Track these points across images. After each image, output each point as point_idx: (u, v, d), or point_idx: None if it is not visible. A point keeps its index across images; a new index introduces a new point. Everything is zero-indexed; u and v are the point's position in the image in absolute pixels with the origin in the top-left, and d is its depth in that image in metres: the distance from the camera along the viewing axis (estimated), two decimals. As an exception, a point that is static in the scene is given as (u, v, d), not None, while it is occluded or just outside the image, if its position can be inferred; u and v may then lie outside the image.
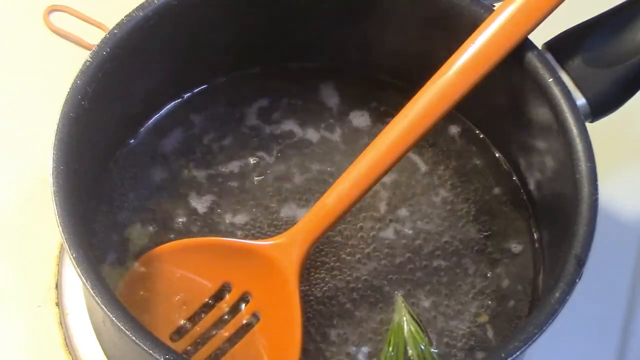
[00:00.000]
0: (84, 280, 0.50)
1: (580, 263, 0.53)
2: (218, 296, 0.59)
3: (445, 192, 0.65)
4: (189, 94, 0.66)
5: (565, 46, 0.58)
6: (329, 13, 0.63)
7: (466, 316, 0.61)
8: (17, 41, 0.77)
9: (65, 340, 0.65)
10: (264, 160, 0.65)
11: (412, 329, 0.58)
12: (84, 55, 0.56)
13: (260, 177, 0.64)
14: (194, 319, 0.58)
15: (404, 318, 0.59)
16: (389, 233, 0.63)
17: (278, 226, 0.62)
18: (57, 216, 0.52)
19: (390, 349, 0.58)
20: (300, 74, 0.68)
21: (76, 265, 0.51)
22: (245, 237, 0.62)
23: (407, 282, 0.61)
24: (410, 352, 0.58)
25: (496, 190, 0.65)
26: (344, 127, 0.67)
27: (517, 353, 0.51)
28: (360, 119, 0.67)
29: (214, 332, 0.58)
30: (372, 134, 0.66)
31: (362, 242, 0.63)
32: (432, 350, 0.59)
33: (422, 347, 0.58)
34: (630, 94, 0.58)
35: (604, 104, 0.58)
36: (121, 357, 0.60)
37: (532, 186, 0.63)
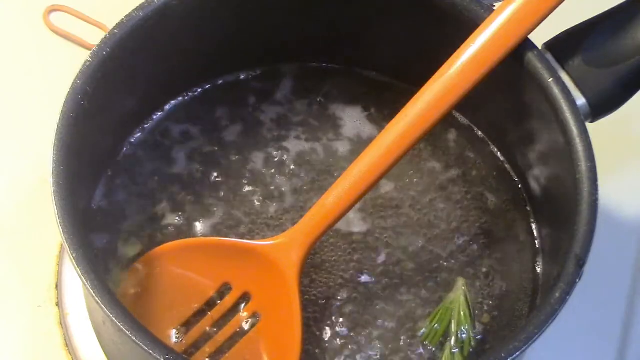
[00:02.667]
0: (84, 280, 0.50)
1: (580, 263, 0.53)
2: (218, 296, 0.59)
3: (445, 192, 0.65)
4: (189, 94, 0.66)
5: (565, 46, 0.58)
6: (329, 14, 0.63)
7: (466, 316, 0.61)
8: (17, 41, 0.77)
9: (65, 340, 0.65)
10: (265, 161, 0.65)
11: (462, 311, 0.59)
12: (84, 55, 0.56)
13: (262, 178, 0.64)
14: (194, 319, 0.58)
15: (460, 299, 0.59)
16: (387, 233, 0.63)
17: (277, 229, 0.63)
18: (57, 216, 0.52)
19: (435, 323, 0.59)
20: (301, 74, 0.68)
21: (76, 265, 0.51)
22: (246, 237, 0.62)
23: (405, 282, 0.61)
24: (453, 330, 0.59)
25: (496, 190, 0.65)
26: (344, 127, 0.67)
27: (517, 353, 0.51)
28: (360, 119, 0.67)
29: (214, 332, 0.58)
30: (372, 134, 0.66)
31: (360, 243, 0.63)
32: (473, 333, 0.59)
33: (465, 330, 0.58)
34: (630, 94, 0.58)
35: (604, 104, 0.58)
36: (121, 357, 0.60)
37: (532, 186, 0.63)
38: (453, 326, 0.59)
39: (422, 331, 0.60)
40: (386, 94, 0.67)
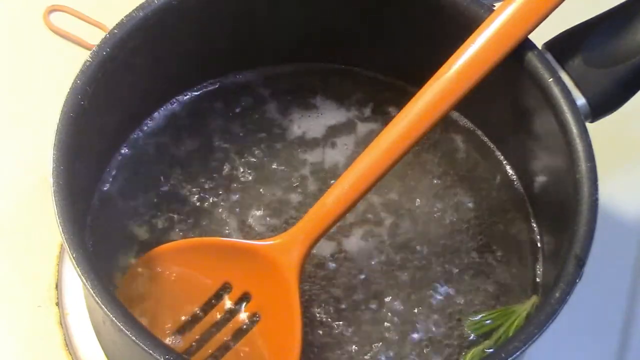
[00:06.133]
0: (84, 280, 0.50)
1: (580, 263, 0.53)
2: (218, 296, 0.59)
3: (445, 193, 0.65)
4: (188, 94, 0.66)
5: (565, 46, 0.58)
6: (329, 14, 0.64)
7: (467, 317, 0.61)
8: (17, 41, 0.77)
9: (65, 340, 0.65)
10: (265, 161, 0.65)
11: (517, 323, 0.59)
12: (84, 55, 0.56)
13: (262, 178, 0.64)
14: (194, 319, 0.58)
15: (523, 313, 0.59)
16: (387, 233, 0.63)
17: (276, 228, 0.63)
18: (57, 216, 0.52)
19: (488, 319, 0.60)
20: (301, 74, 0.68)
21: (76, 265, 0.51)
22: (246, 237, 0.62)
23: (405, 282, 0.61)
24: (499, 332, 0.59)
25: (496, 191, 0.65)
26: (344, 127, 0.67)
27: (517, 353, 0.51)
28: (359, 119, 0.67)
29: (214, 332, 0.58)
30: (372, 134, 0.66)
31: (360, 244, 0.63)
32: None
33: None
34: (631, 94, 0.58)
35: (604, 104, 0.58)
36: (121, 357, 0.60)
37: (532, 186, 0.63)
38: (501, 330, 0.59)
39: (415, 335, 0.60)
40: (386, 94, 0.67)
